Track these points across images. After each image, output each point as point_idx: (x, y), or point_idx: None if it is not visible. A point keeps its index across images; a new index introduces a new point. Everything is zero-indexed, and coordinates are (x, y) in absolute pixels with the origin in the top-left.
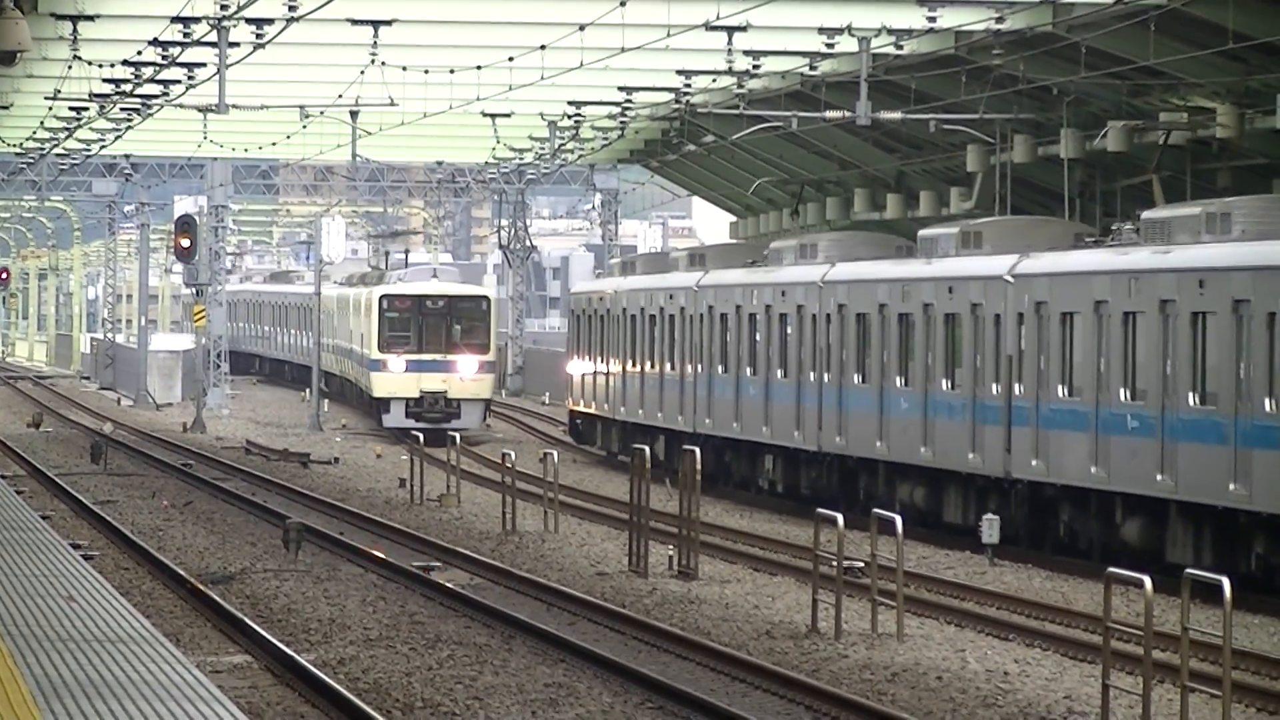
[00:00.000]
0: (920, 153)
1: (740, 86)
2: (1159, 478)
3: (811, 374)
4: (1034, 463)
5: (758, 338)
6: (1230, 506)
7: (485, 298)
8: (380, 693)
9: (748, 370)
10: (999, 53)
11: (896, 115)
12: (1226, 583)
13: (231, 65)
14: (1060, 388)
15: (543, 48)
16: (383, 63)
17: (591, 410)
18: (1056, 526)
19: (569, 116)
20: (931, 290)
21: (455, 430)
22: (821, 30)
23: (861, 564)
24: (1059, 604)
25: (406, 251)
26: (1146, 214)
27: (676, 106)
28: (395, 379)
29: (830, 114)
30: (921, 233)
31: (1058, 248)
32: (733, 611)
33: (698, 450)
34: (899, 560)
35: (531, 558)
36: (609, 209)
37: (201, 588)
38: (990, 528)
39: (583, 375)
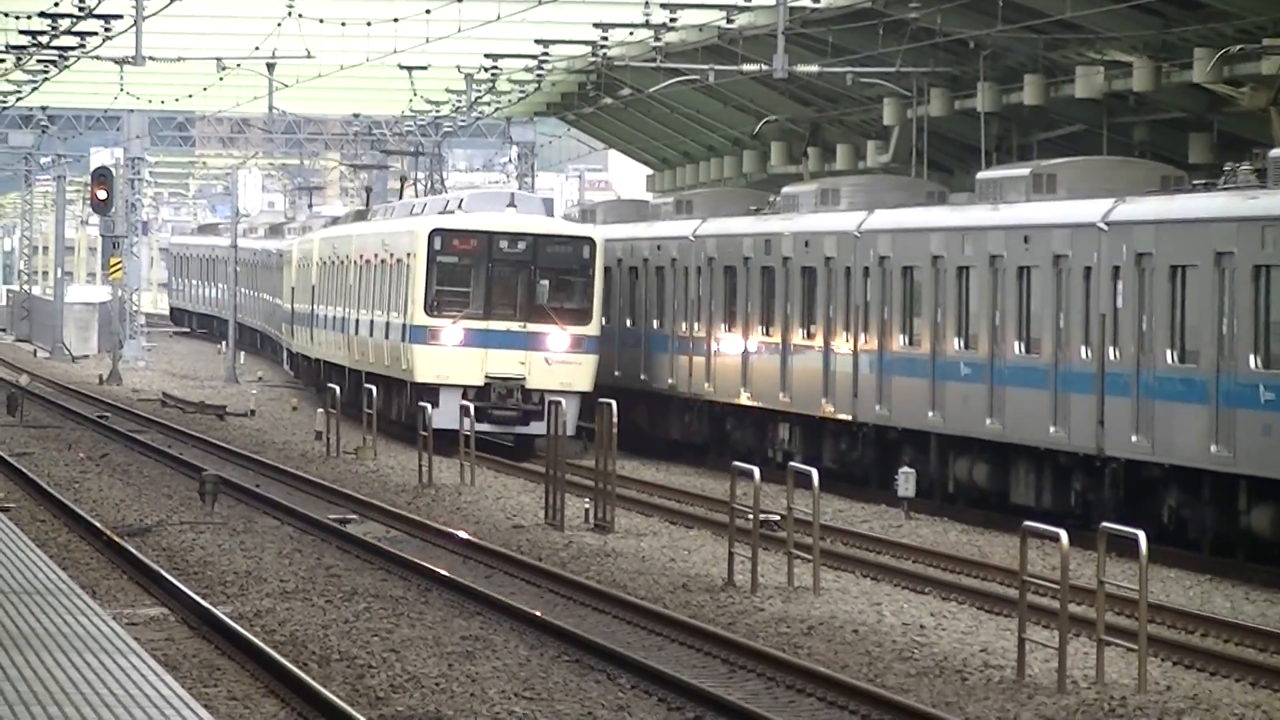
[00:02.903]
0: (837, 106)
1: (657, 40)
2: (988, 422)
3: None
4: (931, 414)
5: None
6: (1050, 447)
7: (589, 240)
8: (297, 645)
9: (761, 330)
10: (916, 5)
11: (813, 69)
12: (1143, 536)
13: (149, 17)
14: (901, 337)
15: (460, 0)
16: (300, 14)
17: None
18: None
19: (486, 69)
20: (1002, 240)
21: (536, 436)
22: None
23: (778, 517)
24: (975, 558)
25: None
26: (981, 175)
27: (593, 60)
28: (449, 356)
29: (747, 67)
30: (982, 175)
31: (1140, 192)
32: (649, 565)
33: (614, 403)
34: (815, 514)
35: (448, 510)
36: (525, 162)
37: (118, 540)
38: (906, 481)
39: None
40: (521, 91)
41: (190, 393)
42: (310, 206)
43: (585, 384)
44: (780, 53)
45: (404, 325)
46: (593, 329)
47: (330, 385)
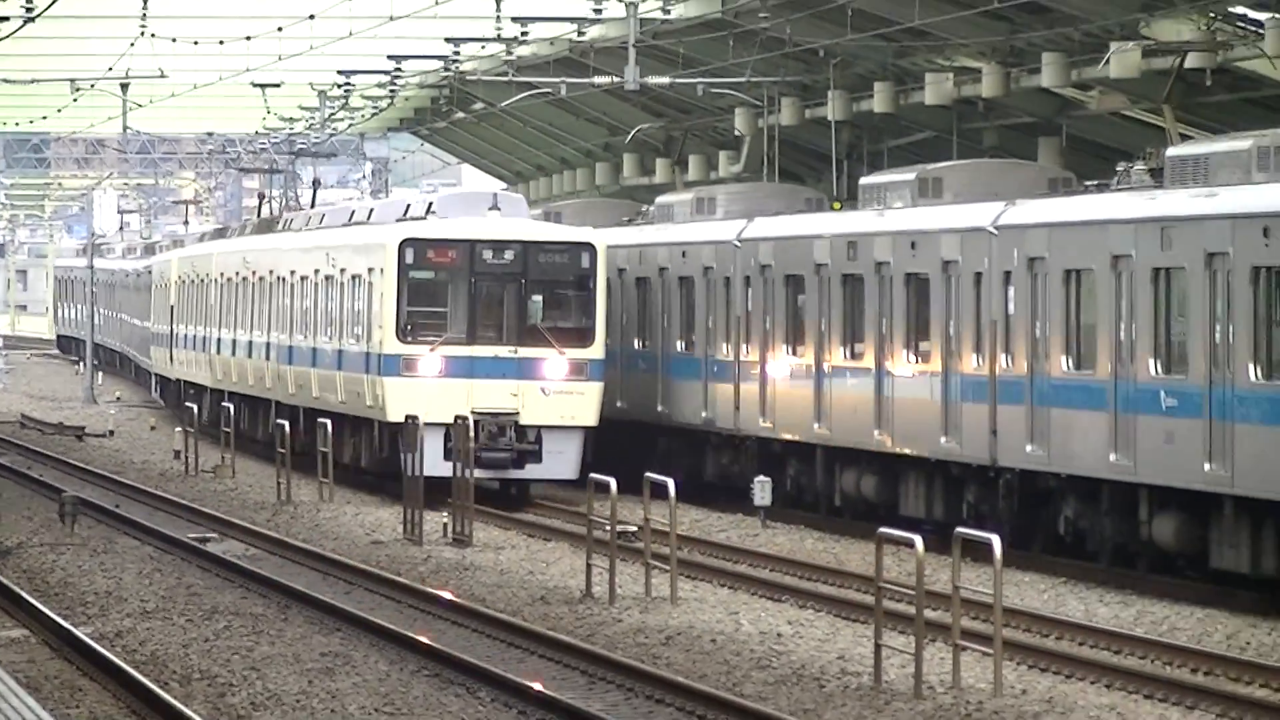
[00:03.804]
0: (689, 116)
1: (509, 54)
2: (876, 434)
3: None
4: (817, 426)
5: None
6: (942, 459)
7: (588, 246)
8: (158, 664)
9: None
10: (766, 15)
11: (665, 80)
12: (997, 541)
13: (2, 39)
14: (785, 348)
15: (311, 17)
16: (153, 34)
17: None
18: (830, 487)
19: (339, 86)
20: (889, 246)
21: (534, 481)
22: None
23: (635, 529)
24: (831, 565)
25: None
26: (864, 180)
27: (446, 74)
28: (427, 390)
29: (599, 80)
30: (865, 181)
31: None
32: (507, 578)
33: (471, 419)
34: (672, 524)
35: (307, 527)
36: (379, 177)
37: None
38: (762, 490)
39: None
40: (375, 107)
41: (49, 414)
42: (186, 224)
43: (589, 417)
44: (631, 65)
45: (367, 354)
46: (596, 351)
47: (188, 404)
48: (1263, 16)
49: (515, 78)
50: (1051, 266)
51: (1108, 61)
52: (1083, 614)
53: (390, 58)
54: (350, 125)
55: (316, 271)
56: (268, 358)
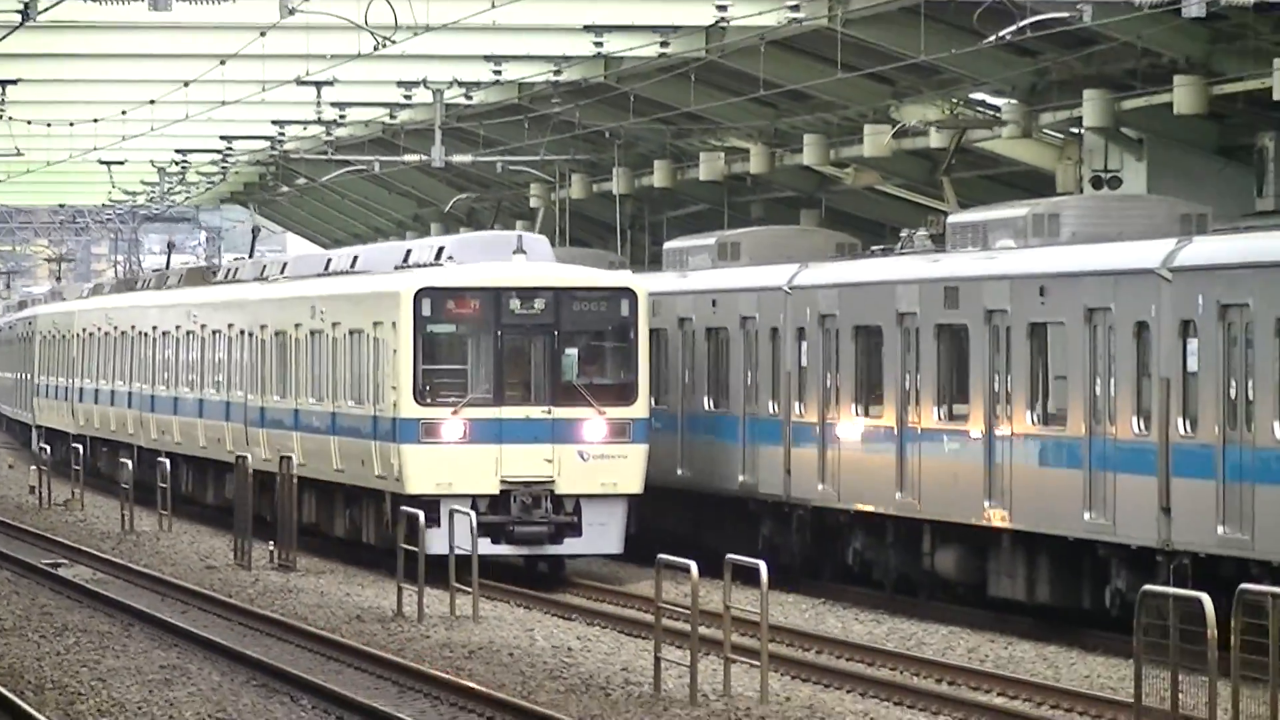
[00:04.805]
0: (489, 191)
1: (329, 134)
2: (679, 471)
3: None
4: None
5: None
6: (739, 495)
7: (628, 293)
8: (14, 676)
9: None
10: (558, 101)
11: (467, 158)
12: (764, 566)
13: None
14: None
15: (152, 102)
16: (10, 117)
17: None
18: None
19: (176, 163)
20: (690, 304)
21: (573, 556)
22: (400, 84)
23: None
24: (616, 587)
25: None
26: (668, 244)
27: (272, 153)
28: (452, 458)
29: (409, 157)
30: (669, 245)
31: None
32: (327, 599)
33: (294, 456)
34: (474, 549)
35: (148, 554)
36: (213, 244)
37: None
38: None
39: None
40: (209, 182)
41: None
42: (59, 279)
43: (634, 484)
44: (438, 144)
45: (374, 419)
46: (639, 410)
47: (44, 445)
48: (999, 102)
49: (334, 155)
50: (842, 323)
51: (861, 142)
52: (840, 630)
53: (222, 138)
54: (187, 198)
55: (298, 326)
56: (228, 418)
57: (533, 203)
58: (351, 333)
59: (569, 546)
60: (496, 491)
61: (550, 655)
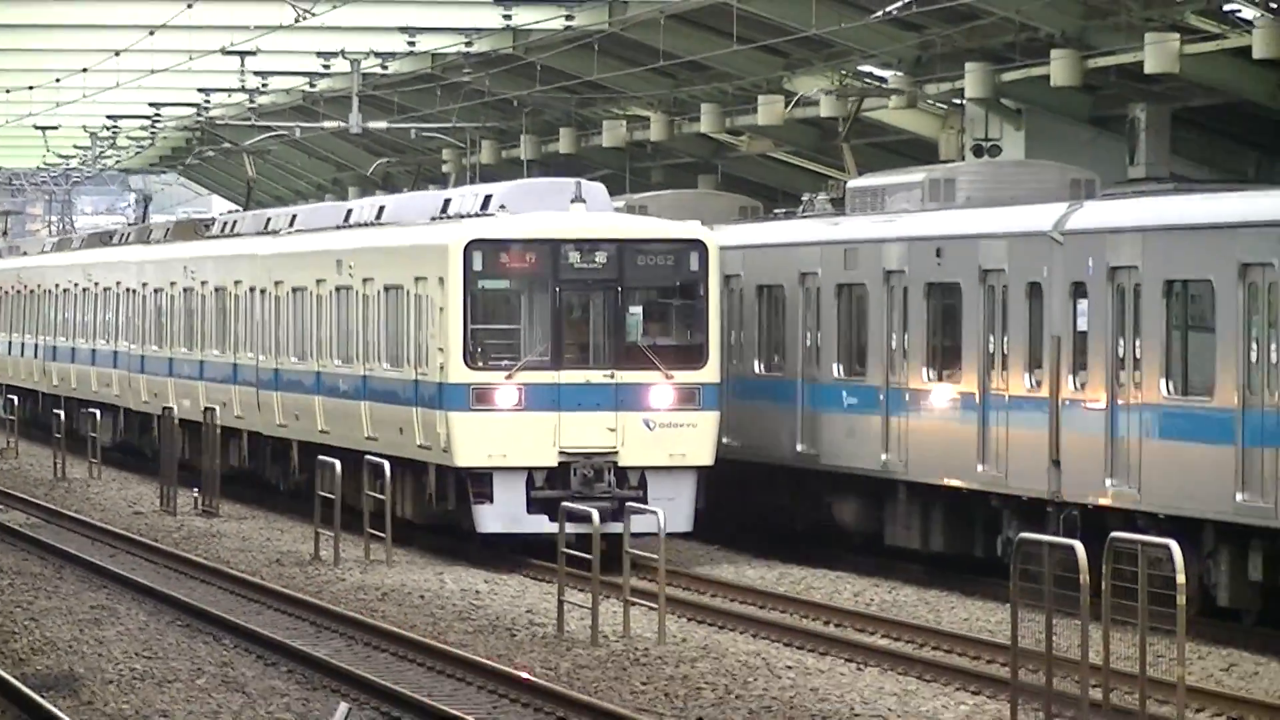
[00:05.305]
0: (404, 156)
1: (252, 102)
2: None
3: None
4: None
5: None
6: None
7: (699, 244)
8: None
9: None
10: (468, 71)
11: (383, 124)
12: (661, 514)
13: None
14: None
15: (84, 70)
16: None
17: None
18: None
19: (108, 129)
20: None
21: (638, 535)
22: (319, 54)
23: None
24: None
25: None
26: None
27: (198, 119)
28: (505, 427)
29: (328, 124)
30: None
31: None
32: (249, 544)
33: (215, 412)
34: (389, 500)
35: (79, 500)
36: (141, 206)
37: None
38: None
39: None
40: (139, 147)
41: None
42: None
43: (704, 455)
44: (355, 111)
45: (417, 384)
46: (710, 374)
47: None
48: (886, 74)
49: (257, 122)
50: (746, 282)
51: (756, 111)
52: (733, 574)
53: (151, 105)
54: (117, 161)
55: (320, 282)
56: (201, 377)
57: (445, 168)
58: (387, 289)
59: (633, 524)
60: (554, 464)
61: (459, 598)
